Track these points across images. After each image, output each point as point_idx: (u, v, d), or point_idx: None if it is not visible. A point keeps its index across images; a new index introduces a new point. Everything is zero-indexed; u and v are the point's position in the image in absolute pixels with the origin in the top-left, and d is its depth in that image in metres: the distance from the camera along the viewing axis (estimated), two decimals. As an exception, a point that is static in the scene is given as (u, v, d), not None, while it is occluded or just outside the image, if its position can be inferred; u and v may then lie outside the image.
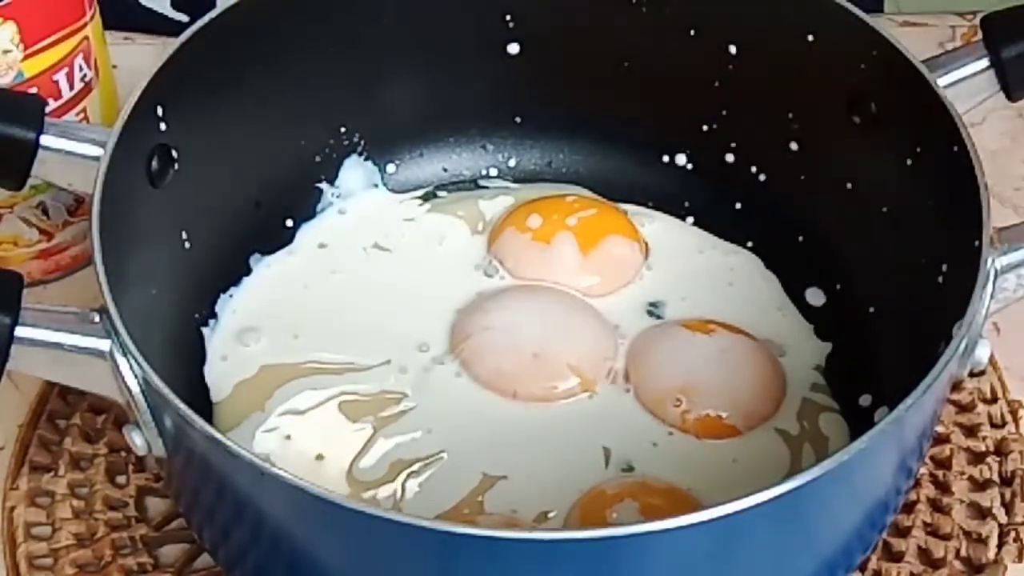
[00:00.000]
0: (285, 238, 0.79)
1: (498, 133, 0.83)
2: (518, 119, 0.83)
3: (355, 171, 0.81)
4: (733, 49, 0.77)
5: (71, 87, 0.78)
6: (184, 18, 0.95)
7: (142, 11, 0.95)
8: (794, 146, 0.78)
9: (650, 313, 0.77)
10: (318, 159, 0.80)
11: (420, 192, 0.82)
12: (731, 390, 0.73)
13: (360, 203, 0.81)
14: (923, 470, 0.74)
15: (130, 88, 0.69)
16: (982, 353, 0.64)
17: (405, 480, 0.70)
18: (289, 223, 0.80)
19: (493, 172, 0.83)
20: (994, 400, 0.78)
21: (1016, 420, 0.76)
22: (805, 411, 0.73)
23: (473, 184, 0.83)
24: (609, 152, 0.82)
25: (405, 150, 0.82)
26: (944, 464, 0.75)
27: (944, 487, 0.74)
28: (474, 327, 0.75)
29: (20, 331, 0.61)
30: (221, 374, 0.74)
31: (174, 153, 0.71)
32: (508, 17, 0.79)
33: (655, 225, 0.80)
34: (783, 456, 0.72)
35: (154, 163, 0.70)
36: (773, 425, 0.72)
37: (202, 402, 0.73)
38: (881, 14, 0.97)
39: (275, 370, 0.74)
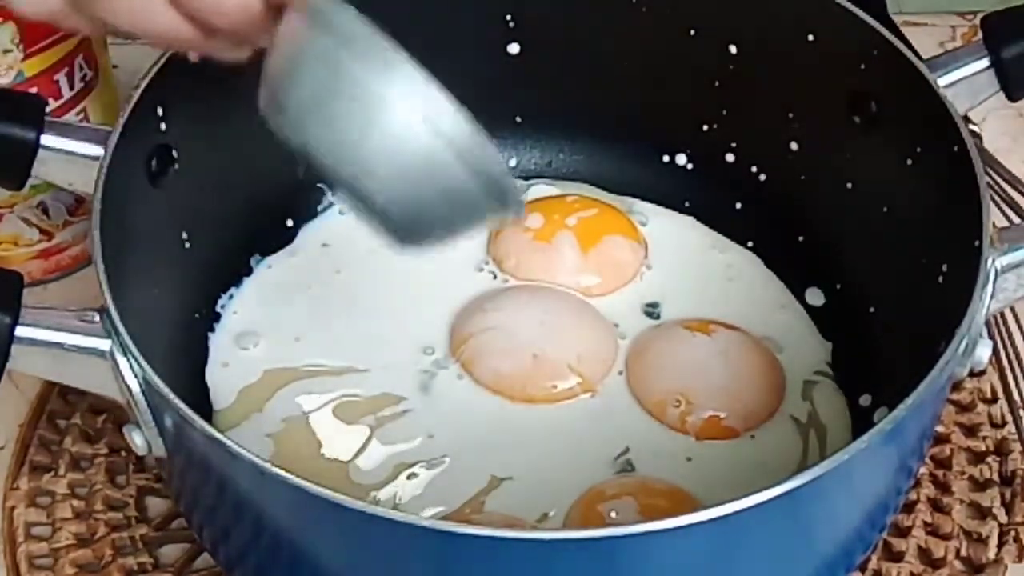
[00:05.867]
0: (286, 238, 0.79)
1: (498, 133, 0.82)
2: (518, 119, 0.83)
3: (355, 171, 0.81)
4: (733, 49, 0.77)
5: (71, 87, 0.78)
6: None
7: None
8: (794, 146, 0.78)
9: (649, 313, 0.77)
10: (318, 159, 0.80)
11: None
12: (730, 392, 0.73)
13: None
14: (923, 470, 0.74)
15: (130, 88, 0.69)
16: (982, 353, 0.64)
17: (407, 481, 0.70)
18: (290, 223, 0.79)
19: (493, 171, 0.83)
20: (994, 400, 0.78)
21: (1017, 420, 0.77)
22: (807, 393, 0.73)
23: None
24: (609, 152, 0.82)
25: (405, 150, 0.82)
26: (944, 464, 0.75)
27: (944, 487, 0.74)
28: (474, 328, 0.75)
29: (20, 331, 0.61)
30: (223, 380, 0.74)
31: (174, 153, 0.71)
32: (508, 17, 0.79)
33: (655, 224, 0.80)
34: (787, 454, 0.72)
35: (154, 163, 0.70)
36: (786, 412, 0.73)
37: (202, 402, 0.73)
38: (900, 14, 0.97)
39: (277, 374, 0.74)
